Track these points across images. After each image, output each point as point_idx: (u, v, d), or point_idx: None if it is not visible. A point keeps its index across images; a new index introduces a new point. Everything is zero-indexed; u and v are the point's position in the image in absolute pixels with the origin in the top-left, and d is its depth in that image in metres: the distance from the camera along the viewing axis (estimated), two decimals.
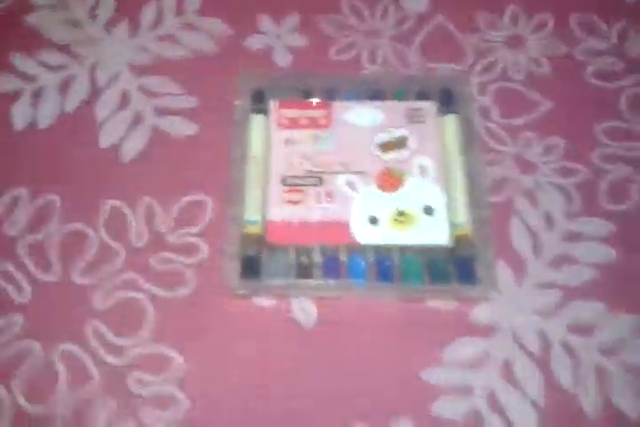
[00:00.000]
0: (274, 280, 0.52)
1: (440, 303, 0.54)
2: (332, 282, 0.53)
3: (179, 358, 0.52)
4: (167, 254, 0.56)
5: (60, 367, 0.52)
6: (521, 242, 0.57)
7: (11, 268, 0.55)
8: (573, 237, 0.57)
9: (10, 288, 0.54)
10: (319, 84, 0.61)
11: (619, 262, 0.56)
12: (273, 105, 0.59)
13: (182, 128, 0.62)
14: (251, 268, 0.52)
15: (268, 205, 0.54)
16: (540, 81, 0.64)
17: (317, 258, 0.53)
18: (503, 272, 0.55)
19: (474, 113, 0.61)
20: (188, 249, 0.56)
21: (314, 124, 0.58)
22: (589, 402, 0.51)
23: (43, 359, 0.52)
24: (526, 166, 0.60)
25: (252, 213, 0.54)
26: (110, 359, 0.52)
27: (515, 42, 0.67)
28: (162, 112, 0.62)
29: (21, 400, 0.51)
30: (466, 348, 0.53)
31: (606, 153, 0.61)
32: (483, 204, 0.56)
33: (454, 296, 0.54)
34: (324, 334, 0.53)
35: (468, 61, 0.65)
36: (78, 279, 0.55)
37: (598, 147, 0.61)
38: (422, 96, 0.60)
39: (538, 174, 0.60)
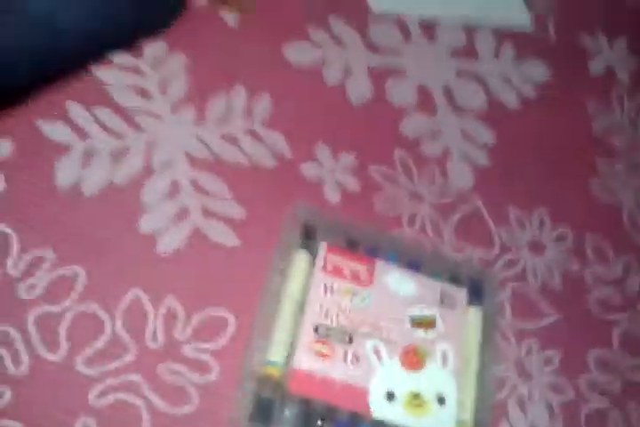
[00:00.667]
0: None
1: None
2: None
3: None
4: (178, 366, 0.54)
5: None
6: None
7: (14, 333, 0.52)
8: None
9: (6, 356, 0.51)
10: (365, 236, 0.64)
11: None
12: (322, 247, 0.61)
13: (224, 238, 0.62)
14: (263, 412, 0.52)
15: (295, 351, 0.55)
16: (550, 291, 0.70)
17: (333, 420, 0.54)
18: None
19: (496, 311, 0.65)
20: (200, 366, 0.55)
21: (356, 278, 0.60)
22: None
23: None
24: (523, 373, 0.64)
25: (274, 354, 0.55)
26: None
27: (537, 246, 0.73)
28: (208, 214, 0.63)
29: None
30: None
31: (591, 381, 0.66)
32: (487, 406, 0.59)
33: None
34: None
35: (494, 252, 0.71)
36: (82, 368, 0.52)
37: (586, 372, 0.67)
38: (455, 280, 0.64)
39: (532, 383, 0.64)
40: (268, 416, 0.52)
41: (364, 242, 0.63)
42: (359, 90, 0.76)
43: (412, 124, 0.76)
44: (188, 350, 0.55)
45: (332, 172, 0.69)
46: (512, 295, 0.68)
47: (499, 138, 0.77)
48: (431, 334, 0.59)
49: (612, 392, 0.66)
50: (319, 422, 0.53)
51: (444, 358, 0.58)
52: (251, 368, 0.54)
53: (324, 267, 0.60)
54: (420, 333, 0.59)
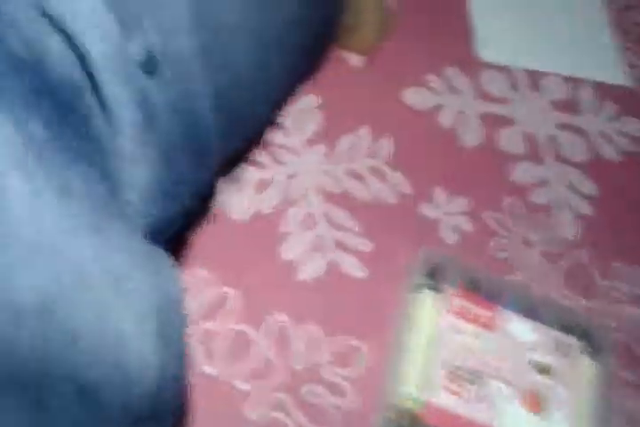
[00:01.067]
0: None
1: None
2: None
3: None
4: (319, 388, 0.59)
5: None
6: None
7: None
8: None
9: None
10: (486, 280, 0.68)
11: None
12: (449, 288, 0.66)
13: (354, 270, 0.67)
14: None
15: (431, 385, 0.60)
16: None
17: None
18: None
19: (610, 361, 0.69)
20: (337, 390, 0.60)
21: (479, 321, 0.65)
22: None
23: None
24: None
25: (409, 386, 0.59)
26: None
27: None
28: (340, 246, 0.67)
29: None
30: None
31: None
32: None
33: None
34: None
35: (601, 304, 0.74)
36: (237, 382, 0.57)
37: None
38: (566, 329, 0.68)
39: None
40: None
41: (485, 286, 0.68)
42: (471, 134, 0.81)
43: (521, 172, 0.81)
44: (326, 373, 0.60)
45: (447, 214, 0.74)
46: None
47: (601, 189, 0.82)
48: (550, 381, 0.63)
49: None
50: None
51: (560, 405, 0.62)
52: (388, 397, 0.58)
53: (451, 307, 0.64)
54: (541, 378, 0.63)
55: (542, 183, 0.80)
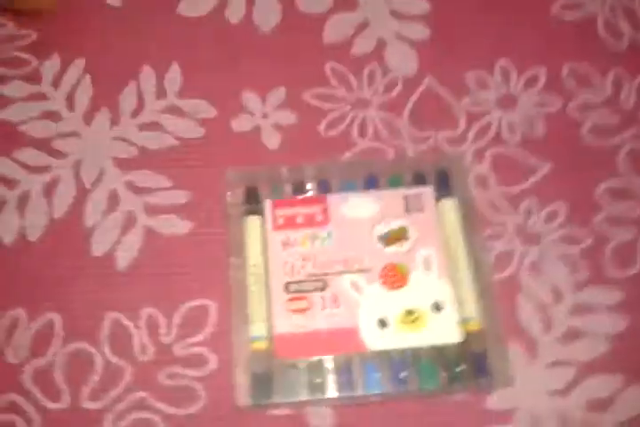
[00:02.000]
0: (287, 398, 0.53)
1: (455, 396, 0.55)
2: (347, 396, 0.53)
3: None
4: (175, 368, 0.56)
5: None
6: (529, 319, 0.57)
7: (17, 398, 0.55)
8: (582, 309, 0.57)
9: (18, 421, 0.54)
10: (311, 174, 0.61)
11: (632, 331, 0.56)
12: (267, 206, 0.59)
13: (177, 227, 0.61)
14: (261, 387, 0.52)
15: (273, 318, 0.54)
16: (535, 142, 0.64)
17: (330, 372, 0.53)
18: (514, 353, 0.56)
19: (471, 195, 0.61)
20: (196, 361, 0.56)
21: (311, 222, 0.58)
22: None
23: None
24: (529, 237, 0.60)
25: (257, 329, 0.54)
26: None
27: (506, 101, 0.66)
28: (154, 211, 0.62)
29: None
30: None
31: (608, 216, 0.61)
32: (489, 294, 0.56)
33: (469, 390, 0.55)
34: None
35: (460, 127, 0.65)
36: (88, 404, 0.55)
37: (600, 209, 0.61)
38: (418, 179, 0.60)
39: (542, 245, 0.60)
40: (267, 391, 0.52)
41: (312, 181, 0.61)
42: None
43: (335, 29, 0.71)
44: (179, 350, 0.56)
45: (264, 116, 0.66)
46: (493, 163, 0.63)
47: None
48: (406, 245, 0.56)
49: (637, 219, 0.60)
50: (318, 380, 0.52)
51: (427, 264, 0.55)
52: (238, 350, 0.54)
53: (275, 224, 0.58)
54: (394, 248, 0.56)
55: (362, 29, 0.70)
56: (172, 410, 0.54)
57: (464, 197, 0.59)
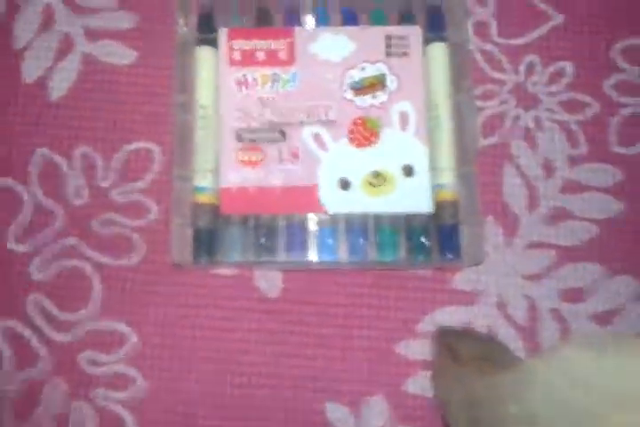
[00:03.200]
0: (231, 257, 0.47)
1: (418, 272, 0.50)
2: (297, 261, 0.48)
3: (132, 334, 0.49)
4: (111, 215, 0.50)
5: (4, 346, 0.49)
6: (513, 194, 0.51)
7: None
8: (574, 187, 0.52)
9: None
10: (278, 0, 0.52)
11: (622, 217, 0.51)
12: (222, 35, 0.50)
13: (119, 56, 0.53)
14: (204, 244, 0.47)
15: (220, 169, 0.48)
16: None
17: (281, 232, 0.48)
18: (491, 230, 0.51)
19: (467, 42, 0.52)
20: (135, 209, 0.51)
21: (273, 59, 0.49)
22: None
23: None
24: (527, 99, 0.53)
25: (202, 179, 0.48)
26: (57, 337, 0.49)
27: None
28: (94, 35, 0.53)
29: None
30: (445, 318, 0.49)
31: (623, 81, 0.53)
32: (471, 160, 0.49)
33: (434, 267, 0.50)
34: (291, 304, 0.50)
35: None
36: (14, 246, 0.50)
37: (613, 73, 0.53)
38: (406, 18, 0.51)
39: (540, 110, 0.52)
40: (210, 249, 0.47)
41: (279, 10, 0.51)
42: None
43: None
44: (118, 196, 0.51)
45: None
46: (498, 7, 0.54)
47: None
48: (382, 96, 0.49)
49: None
50: (266, 241, 0.47)
51: (403, 120, 0.48)
52: (179, 201, 0.48)
53: (230, 58, 0.49)
54: (367, 100, 0.48)
55: None
56: (104, 259, 0.50)
57: (458, 44, 0.51)
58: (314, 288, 0.50)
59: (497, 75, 0.53)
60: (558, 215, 0.51)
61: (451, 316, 0.49)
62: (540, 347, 0.49)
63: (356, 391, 0.48)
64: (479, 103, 0.52)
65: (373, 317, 0.49)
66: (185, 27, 0.51)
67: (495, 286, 0.50)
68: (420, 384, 0.48)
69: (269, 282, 0.50)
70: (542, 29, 0.54)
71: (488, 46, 0.54)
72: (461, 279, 0.50)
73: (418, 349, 0.49)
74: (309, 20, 0.51)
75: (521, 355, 0.48)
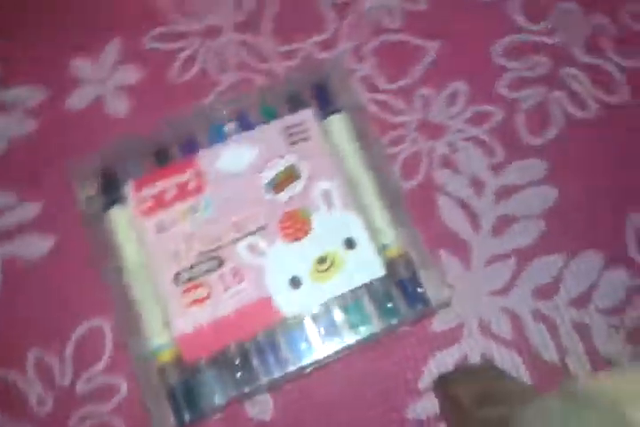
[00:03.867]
0: (214, 401, 0.44)
1: (398, 332, 0.48)
2: (279, 377, 0.44)
3: None
4: (84, 410, 0.47)
5: None
6: (455, 220, 0.50)
7: None
8: (507, 192, 0.50)
9: None
10: (172, 134, 0.50)
11: (563, 201, 0.49)
12: (128, 189, 0.48)
13: (36, 247, 0.51)
14: (182, 401, 0.43)
15: (170, 319, 0.45)
16: (418, 20, 0.54)
17: (254, 356, 0.44)
18: (447, 263, 0.49)
19: (360, 102, 0.52)
20: (104, 393, 0.47)
21: (185, 192, 0.48)
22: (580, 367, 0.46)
23: None
24: (435, 129, 0.51)
25: (157, 337, 0.45)
26: None
27: None
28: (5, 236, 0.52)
29: None
30: (442, 364, 0.47)
31: (513, 78, 0.52)
32: (402, 211, 0.47)
33: (410, 322, 0.47)
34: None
35: (330, 27, 0.55)
36: None
37: (502, 73, 0.52)
38: (295, 102, 0.50)
39: (450, 134, 0.51)
40: (189, 401, 0.43)
41: (175, 143, 0.50)
42: None
43: None
44: (83, 386, 0.47)
45: (102, 82, 0.55)
46: (376, 57, 0.53)
47: None
48: (299, 185, 0.47)
49: (544, 75, 0.52)
50: (238, 374, 0.44)
51: (328, 200, 0.46)
52: (142, 369, 0.44)
53: (143, 209, 0.48)
54: (287, 193, 0.47)
55: None
56: None
57: (352, 107, 0.50)
58: (309, 394, 0.46)
59: (398, 118, 0.52)
60: (503, 224, 0.50)
61: (445, 359, 0.47)
62: (538, 355, 0.46)
63: None
64: (392, 149, 0.51)
65: (375, 392, 0.46)
66: (89, 195, 0.49)
67: (472, 311, 0.48)
68: None
69: (261, 406, 0.46)
70: (424, 61, 0.53)
71: (380, 96, 0.52)
72: (439, 320, 0.48)
73: (428, 405, 0.46)
74: (206, 141, 0.50)
75: (520, 369, 0.46)
